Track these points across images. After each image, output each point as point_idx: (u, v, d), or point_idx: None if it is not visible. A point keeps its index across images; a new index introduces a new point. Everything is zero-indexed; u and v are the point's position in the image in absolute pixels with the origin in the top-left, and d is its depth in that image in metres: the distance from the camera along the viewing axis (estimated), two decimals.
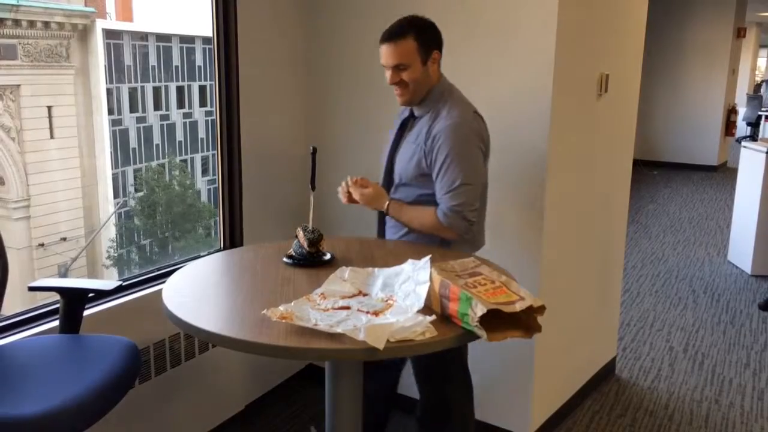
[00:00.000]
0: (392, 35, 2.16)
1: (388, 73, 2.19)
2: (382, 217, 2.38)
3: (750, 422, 3.14)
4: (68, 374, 1.79)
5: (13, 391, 1.71)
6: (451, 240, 2.19)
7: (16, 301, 2.48)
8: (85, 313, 2.17)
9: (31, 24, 5.00)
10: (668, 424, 3.11)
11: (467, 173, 2.12)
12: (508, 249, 2.62)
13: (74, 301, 2.09)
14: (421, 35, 2.16)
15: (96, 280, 2.68)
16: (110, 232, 5.49)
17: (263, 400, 3.13)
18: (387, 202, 2.25)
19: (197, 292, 1.88)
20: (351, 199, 2.28)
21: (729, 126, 10.95)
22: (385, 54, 2.17)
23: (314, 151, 2.14)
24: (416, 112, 2.27)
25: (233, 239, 2.92)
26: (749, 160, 5.57)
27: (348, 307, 1.66)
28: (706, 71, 10.61)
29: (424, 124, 2.22)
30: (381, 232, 2.41)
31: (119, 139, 5.64)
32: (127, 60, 5.68)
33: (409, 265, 1.82)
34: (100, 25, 5.29)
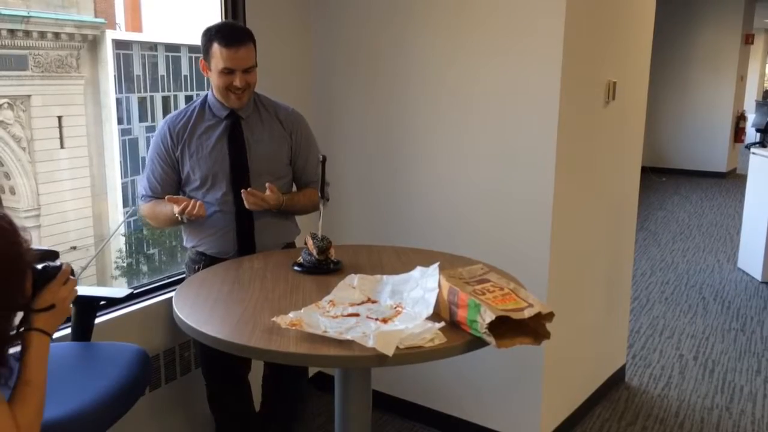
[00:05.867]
0: (242, 38, 2.23)
1: (230, 78, 2.23)
2: (244, 228, 2.36)
3: (761, 430, 3.12)
4: (79, 382, 1.80)
5: None
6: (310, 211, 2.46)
7: None
8: (97, 320, 2.18)
9: (42, 35, 5.04)
10: None
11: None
12: (516, 256, 2.61)
13: (86, 308, 2.10)
14: (254, 40, 2.29)
15: (107, 288, 2.71)
16: (119, 241, 5.50)
17: None
18: (283, 197, 2.33)
19: (207, 299, 1.89)
20: (256, 203, 2.25)
21: (738, 132, 10.90)
22: (237, 57, 2.22)
23: (323, 160, 2.16)
24: (243, 113, 2.35)
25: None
26: (759, 167, 5.55)
27: (357, 314, 1.67)
28: (714, 78, 10.58)
29: (264, 119, 2.38)
30: (245, 245, 2.37)
31: (129, 149, 5.66)
32: (137, 70, 5.71)
33: (417, 272, 1.83)
34: (110, 35, 5.32)
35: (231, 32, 2.23)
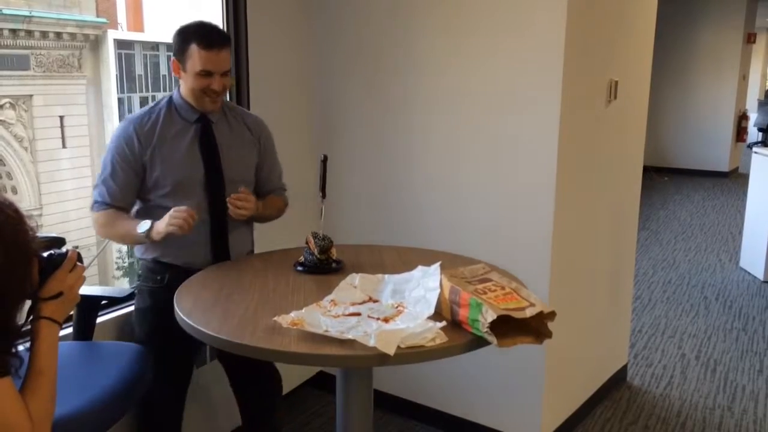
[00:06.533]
0: (222, 41, 2.16)
1: (208, 81, 2.14)
2: (219, 236, 2.25)
3: (764, 429, 3.12)
4: (81, 381, 1.81)
5: None
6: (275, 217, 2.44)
7: None
8: (98, 320, 2.18)
9: (44, 35, 5.04)
10: None
11: None
12: (518, 255, 2.61)
13: (88, 308, 2.11)
14: (231, 44, 2.23)
15: (109, 287, 2.70)
16: None
17: None
18: (259, 204, 2.27)
19: (208, 299, 1.89)
20: (238, 213, 2.17)
21: (740, 132, 10.89)
22: (218, 60, 2.13)
23: (325, 159, 2.15)
24: (213, 117, 2.26)
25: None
26: (761, 166, 5.54)
27: (358, 314, 1.67)
28: (716, 77, 10.57)
29: (232, 124, 2.31)
30: (219, 253, 2.26)
31: None
32: (138, 70, 5.72)
33: (419, 272, 1.83)
34: (112, 35, 5.33)
35: (211, 34, 2.14)
